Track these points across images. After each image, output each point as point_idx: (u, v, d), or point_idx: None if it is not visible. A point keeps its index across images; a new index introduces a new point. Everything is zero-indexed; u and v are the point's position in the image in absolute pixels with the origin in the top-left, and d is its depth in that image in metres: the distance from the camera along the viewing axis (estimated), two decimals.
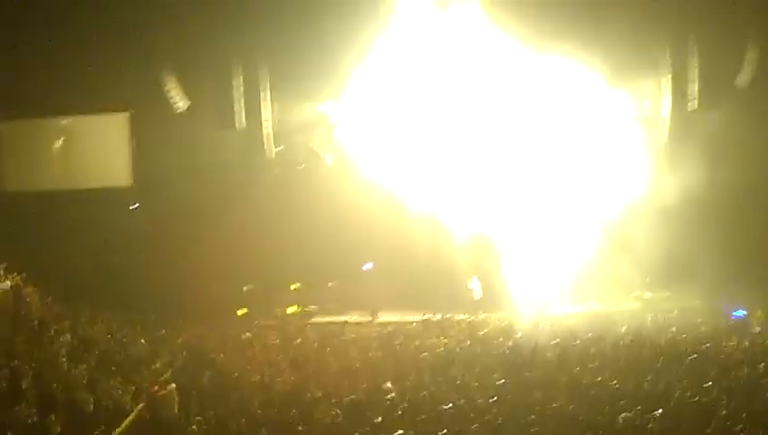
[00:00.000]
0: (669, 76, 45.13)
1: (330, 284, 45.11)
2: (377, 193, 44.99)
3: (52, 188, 45.64)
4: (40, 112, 45.46)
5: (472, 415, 26.68)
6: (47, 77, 43.78)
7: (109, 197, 45.63)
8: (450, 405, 27.51)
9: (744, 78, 44.39)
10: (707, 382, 28.59)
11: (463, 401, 27.95)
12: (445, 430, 25.23)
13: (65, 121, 46.13)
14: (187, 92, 45.51)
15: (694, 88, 44.74)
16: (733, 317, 39.17)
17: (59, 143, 46.14)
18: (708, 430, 24.48)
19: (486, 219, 44.66)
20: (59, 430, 25.33)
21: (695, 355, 32.05)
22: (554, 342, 34.71)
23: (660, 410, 26.07)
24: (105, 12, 43.36)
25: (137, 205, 46.31)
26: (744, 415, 25.29)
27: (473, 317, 41.17)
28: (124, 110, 46.07)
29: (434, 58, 45.56)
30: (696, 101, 44.87)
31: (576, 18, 42.93)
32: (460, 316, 41.09)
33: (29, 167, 46.27)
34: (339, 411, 27.39)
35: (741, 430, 24.23)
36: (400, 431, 25.11)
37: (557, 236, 43.26)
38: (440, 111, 45.67)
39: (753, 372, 30.09)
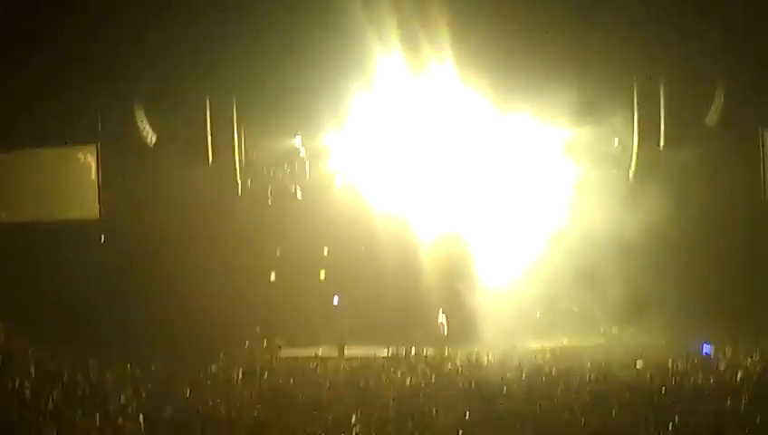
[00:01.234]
0: (637, 114, 45.35)
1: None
2: (347, 226, 44.92)
3: (18, 220, 45.21)
4: (4, 145, 45.06)
5: None
6: (12, 108, 43.51)
7: (75, 230, 45.27)
8: None
9: (712, 117, 44.63)
10: (672, 418, 28.62)
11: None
12: None
13: (31, 154, 45.72)
14: (156, 126, 45.29)
15: (661, 126, 44.98)
16: (701, 353, 39.29)
17: (24, 176, 45.79)
18: None
19: (454, 253, 44.76)
20: None
21: (662, 390, 32.11)
22: (520, 377, 34.78)
23: None
24: (75, 43, 43.25)
25: (103, 238, 45.93)
26: None
27: (440, 352, 41.10)
28: (92, 142, 45.76)
29: (403, 94, 45.64)
30: (663, 139, 45.11)
31: (546, 54, 43.18)
32: (427, 351, 41.04)
33: None
34: None
35: None
36: None
37: (525, 271, 43.26)
38: (411, 144, 45.75)
39: (718, 407, 30.18)
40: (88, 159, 45.90)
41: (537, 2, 43.21)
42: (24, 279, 43.25)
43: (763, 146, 45.46)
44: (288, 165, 47.34)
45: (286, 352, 43.36)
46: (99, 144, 45.84)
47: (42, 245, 44.51)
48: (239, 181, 46.46)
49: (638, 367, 37.05)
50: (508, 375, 35.54)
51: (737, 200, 45.21)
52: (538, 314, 43.56)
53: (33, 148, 45.52)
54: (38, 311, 41.65)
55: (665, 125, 45.04)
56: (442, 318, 44.39)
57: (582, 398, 31.72)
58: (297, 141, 47.08)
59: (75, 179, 45.87)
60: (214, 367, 38.55)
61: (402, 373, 36.89)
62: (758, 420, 28.19)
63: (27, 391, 31.36)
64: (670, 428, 27.75)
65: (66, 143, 45.78)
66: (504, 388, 33.56)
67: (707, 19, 42.91)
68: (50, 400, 31.27)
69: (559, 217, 44.71)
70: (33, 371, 34.00)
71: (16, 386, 31.83)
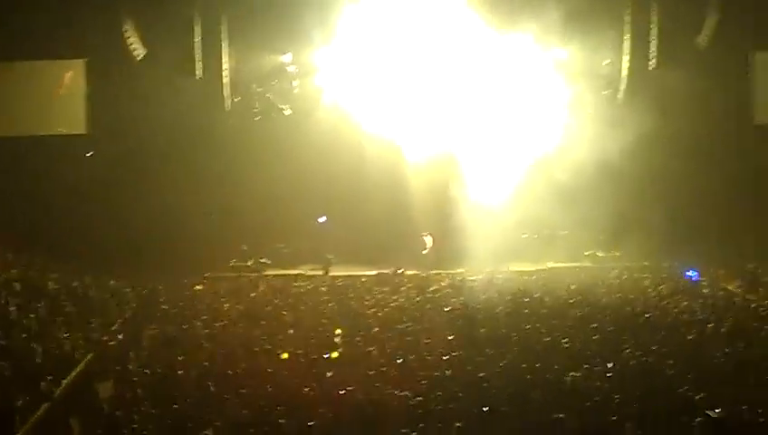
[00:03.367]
0: (629, 35, 45.20)
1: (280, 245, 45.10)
2: (334, 146, 44.79)
3: (5, 135, 44.97)
4: None
5: (420, 372, 26.68)
6: (2, 21, 43.08)
7: (63, 144, 45.12)
8: (400, 360, 27.56)
9: (703, 38, 44.51)
10: (656, 341, 28.78)
11: (412, 356, 27.98)
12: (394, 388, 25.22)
13: (20, 66, 45.40)
14: (146, 40, 44.95)
15: (653, 47, 44.88)
16: (685, 277, 39.45)
17: (12, 88, 45.51)
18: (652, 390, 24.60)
19: (442, 174, 44.77)
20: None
21: (647, 314, 32.34)
22: (506, 299, 34.93)
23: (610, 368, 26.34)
24: None
25: (91, 153, 45.81)
26: (690, 374, 25.49)
27: (426, 273, 41.18)
28: (80, 56, 45.46)
29: (393, 10, 45.31)
30: (654, 60, 45.03)
31: None
32: (413, 271, 41.13)
33: None
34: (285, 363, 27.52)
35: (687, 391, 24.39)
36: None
37: (514, 195, 43.24)
38: (398, 60, 45.48)
39: (700, 330, 30.36)
40: (76, 73, 45.57)
41: None
42: (11, 193, 43.14)
43: (751, 68, 45.45)
44: (276, 81, 47.07)
45: (272, 271, 43.42)
46: (87, 59, 45.45)
47: (29, 158, 44.34)
48: (227, 97, 46.17)
49: (620, 290, 37.19)
50: (492, 297, 35.63)
51: (725, 122, 45.26)
52: (524, 236, 43.60)
53: (21, 61, 45.11)
54: (23, 225, 41.65)
55: (656, 46, 44.91)
56: (428, 241, 44.51)
57: (565, 321, 31.82)
58: (286, 58, 46.74)
59: (63, 94, 45.56)
60: (200, 286, 38.59)
61: (385, 293, 36.98)
62: (739, 344, 28.38)
63: (12, 308, 31.42)
64: (652, 350, 27.89)
65: (54, 57, 45.32)
66: (487, 310, 33.66)
67: None
68: (35, 315, 31.41)
69: (547, 139, 44.57)
70: (18, 286, 34.11)
71: (1, 301, 31.93)
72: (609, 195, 42.30)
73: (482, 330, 30.68)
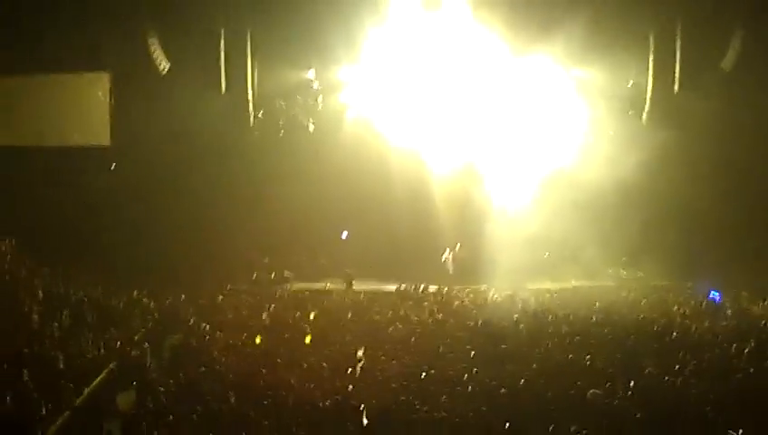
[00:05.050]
0: (653, 57, 45.18)
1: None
2: (357, 160, 44.85)
3: (30, 145, 45.04)
4: (20, 68, 44.72)
5: (443, 387, 26.71)
6: (29, 33, 43.17)
7: (88, 156, 45.23)
8: (423, 375, 27.57)
9: (728, 61, 44.45)
10: (677, 362, 28.71)
11: (433, 371, 27.98)
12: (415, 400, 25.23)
13: (45, 78, 45.46)
14: (171, 54, 45.08)
15: (677, 69, 44.82)
16: (708, 298, 39.29)
17: (38, 100, 45.60)
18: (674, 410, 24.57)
19: (466, 191, 44.82)
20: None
21: (672, 334, 32.27)
22: (528, 317, 34.95)
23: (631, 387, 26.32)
24: None
25: (114, 165, 45.90)
26: (711, 396, 25.43)
27: (447, 289, 41.09)
28: (105, 69, 45.57)
29: (417, 28, 45.41)
30: (678, 83, 44.98)
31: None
32: (436, 288, 41.07)
33: (6, 122, 45.59)
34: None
35: (709, 412, 24.35)
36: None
37: (536, 211, 43.14)
38: (424, 79, 45.55)
39: (723, 352, 30.27)
40: (102, 86, 45.67)
41: None
42: (35, 203, 43.21)
43: None
44: (301, 97, 47.21)
45: (295, 285, 43.39)
46: (113, 72, 45.55)
47: (54, 169, 44.44)
48: (252, 112, 46.28)
49: (644, 310, 37.08)
50: (515, 315, 35.60)
51: (749, 144, 45.09)
52: (546, 255, 43.50)
53: (48, 74, 45.19)
54: (46, 235, 41.69)
55: (680, 68, 44.86)
56: (449, 255, 44.45)
57: (588, 339, 31.74)
58: (310, 74, 46.90)
59: (88, 106, 45.68)
60: (221, 297, 38.58)
61: (408, 309, 36.89)
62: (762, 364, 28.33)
63: (35, 316, 31.51)
64: (675, 371, 27.83)
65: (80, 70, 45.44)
66: (511, 327, 33.64)
67: None
68: (57, 324, 31.48)
69: (571, 158, 44.50)
70: (40, 294, 34.19)
71: (24, 310, 31.99)
72: (632, 215, 42.31)
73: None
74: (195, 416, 24.11)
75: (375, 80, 46.18)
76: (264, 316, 35.30)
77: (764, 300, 38.14)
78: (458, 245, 44.30)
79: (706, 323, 34.24)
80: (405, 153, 45.32)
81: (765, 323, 34.57)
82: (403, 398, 25.46)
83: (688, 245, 42.82)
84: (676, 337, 32.08)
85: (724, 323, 34.50)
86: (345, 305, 37.86)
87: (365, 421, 24.05)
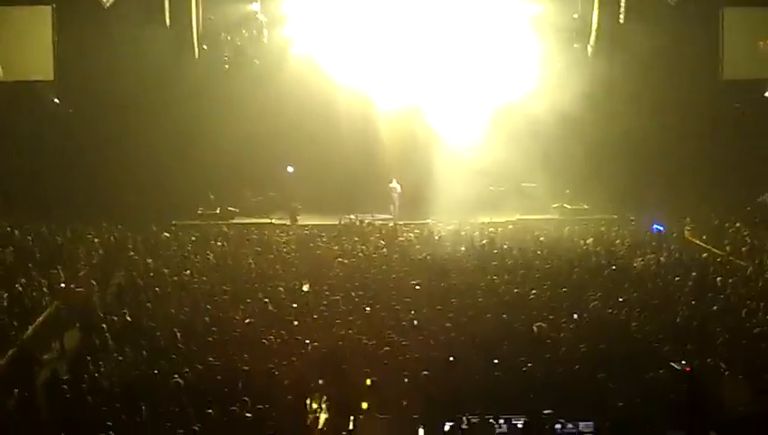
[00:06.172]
0: None
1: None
2: (303, 96, 44.59)
3: None
4: None
5: (388, 321, 26.92)
6: None
7: (30, 90, 44.77)
8: (368, 310, 27.74)
9: None
10: (621, 293, 29.14)
11: (378, 306, 28.16)
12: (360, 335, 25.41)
13: None
14: None
15: (623, 1, 44.87)
16: (651, 231, 39.72)
17: None
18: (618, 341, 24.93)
19: (411, 127, 44.83)
20: None
21: (614, 267, 32.75)
22: (473, 250, 35.26)
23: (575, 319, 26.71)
24: None
25: (58, 99, 45.46)
26: (655, 328, 25.86)
27: (393, 222, 41.24)
28: (47, 2, 44.92)
29: None
30: (624, 15, 45.01)
31: None
32: (380, 220, 41.24)
33: None
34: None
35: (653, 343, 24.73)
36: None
37: (482, 146, 43.13)
38: (370, 13, 45.23)
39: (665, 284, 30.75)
40: (44, 19, 45.01)
41: None
42: None
43: (721, 25, 45.53)
44: (246, 30, 46.77)
45: (240, 220, 43.39)
46: (56, 5, 44.89)
47: None
48: (196, 45, 45.83)
49: (588, 242, 37.47)
50: (460, 248, 35.88)
51: (693, 77, 45.37)
52: (491, 189, 43.70)
53: None
54: None
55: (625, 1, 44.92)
56: (396, 186, 44.53)
57: (532, 273, 32.04)
58: (255, 6, 46.43)
59: (31, 40, 45.05)
60: (166, 234, 38.53)
61: (353, 244, 37.07)
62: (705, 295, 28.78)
63: None
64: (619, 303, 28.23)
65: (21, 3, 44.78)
66: (455, 261, 33.92)
67: None
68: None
69: (516, 91, 44.46)
70: None
71: None
72: (577, 148, 42.53)
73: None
74: (141, 354, 24.18)
75: (321, 12, 45.67)
76: (208, 252, 35.32)
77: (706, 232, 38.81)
78: (395, 182, 44.58)
79: (649, 256, 34.65)
80: (350, 87, 45.04)
81: (707, 256, 35.21)
82: (348, 332, 25.61)
83: (633, 177, 43.16)
84: (618, 269, 32.48)
85: (667, 256, 34.90)
86: (290, 240, 38.01)
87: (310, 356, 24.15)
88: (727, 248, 36.64)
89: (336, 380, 22.40)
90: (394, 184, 44.73)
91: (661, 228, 39.82)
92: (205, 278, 31.62)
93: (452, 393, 21.80)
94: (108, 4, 43.59)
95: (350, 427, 21.02)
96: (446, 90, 44.86)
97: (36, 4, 44.84)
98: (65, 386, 22.04)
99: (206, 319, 26.95)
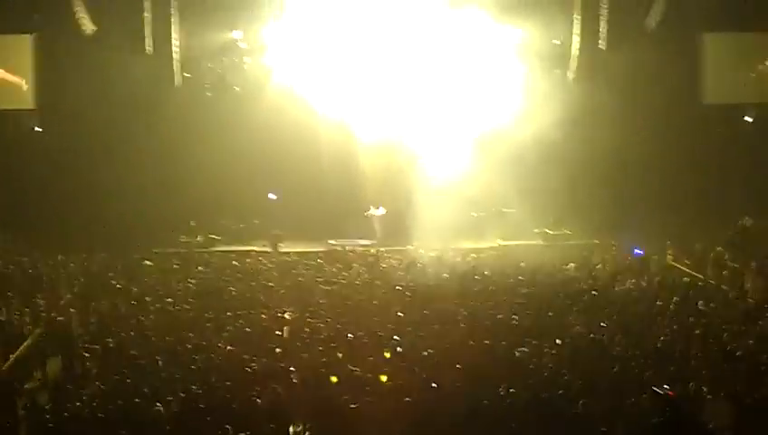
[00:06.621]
0: (580, 15, 45.33)
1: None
2: (285, 123, 44.62)
3: None
4: None
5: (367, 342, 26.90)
6: None
7: (10, 119, 44.75)
8: (351, 336, 27.67)
9: (652, 19, 44.77)
10: (603, 318, 29.12)
11: (361, 332, 28.10)
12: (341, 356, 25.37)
13: None
14: (94, 15, 44.48)
15: (603, 27, 45.06)
16: (633, 255, 39.80)
17: None
18: (601, 366, 24.87)
19: (393, 153, 44.86)
20: None
21: (596, 292, 32.72)
22: (455, 277, 35.26)
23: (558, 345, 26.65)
24: None
25: (39, 128, 45.45)
26: (637, 352, 25.81)
27: (376, 249, 41.28)
28: (29, 31, 44.92)
29: None
30: (605, 41, 45.23)
31: None
32: (362, 246, 41.27)
33: None
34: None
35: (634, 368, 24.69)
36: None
37: (463, 172, 43.20)
38: (351, 41, 45.35)
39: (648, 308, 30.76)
40: (24, 48, 45.02)
41: None
42: None
43: (701, 50, 45.81)
44: (226, 58, 46.81)
45: (222, 248, 43.38)
46: (37, 34, 44.89)
47: None
48: (178, 72, 45.84)
49: (570, 267, 37.53)
50: (442, 275, 35.88)
51: (674, 102, 45.55)
52: (474, 215, 43.78)
53: None
54: None
55: (606, 26, 45.12)
56: (375, 212, 44.59)
57: (515, 299, 32.02)
58: (236, 34, 46.48)
59: (11, 68, 45.04)
60: (148, 262, 38.46)
61: (335, 271, 37.02)
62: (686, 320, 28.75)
63: None
64: (601, 328, 28.19)
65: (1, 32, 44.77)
66: (437, 288, 33.90)
67: None
68: None
69: (497, 117, 44.56)
70: None
71: None
72: (558, 174, 42.64)
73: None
74: (123, 382, 24.07)
75: (304, 41, 45.72)
76: (191, 279, 35.27)
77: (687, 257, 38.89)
78: (377, 208, 44.60)
79: (631, 280, 34.70)
80: (331, 113, 45.16)
81: (688, 280, 35.27)
82: (330, 359, 25.55)
83: (614, 203, 43.31)
84: (601, 295, 32.51)
85: (648, 280, 34.98)
86: (272, 267, 37.98)
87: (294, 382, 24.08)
88: (709, 272, 36.69)
89: (319, 407, 22.33)
90: (372, 211, 44.77)
91: (642, 253, 39.89)
92: (187, 306, 31.47)
93: (434, 419, 21.73)
94: (88, 33, 43.64)
95: None
96: (427, 116, 45.00)
97: (17, 33, 44.84)
98: (47, 415, 21.91)
99: (188, 346, 26.85)
